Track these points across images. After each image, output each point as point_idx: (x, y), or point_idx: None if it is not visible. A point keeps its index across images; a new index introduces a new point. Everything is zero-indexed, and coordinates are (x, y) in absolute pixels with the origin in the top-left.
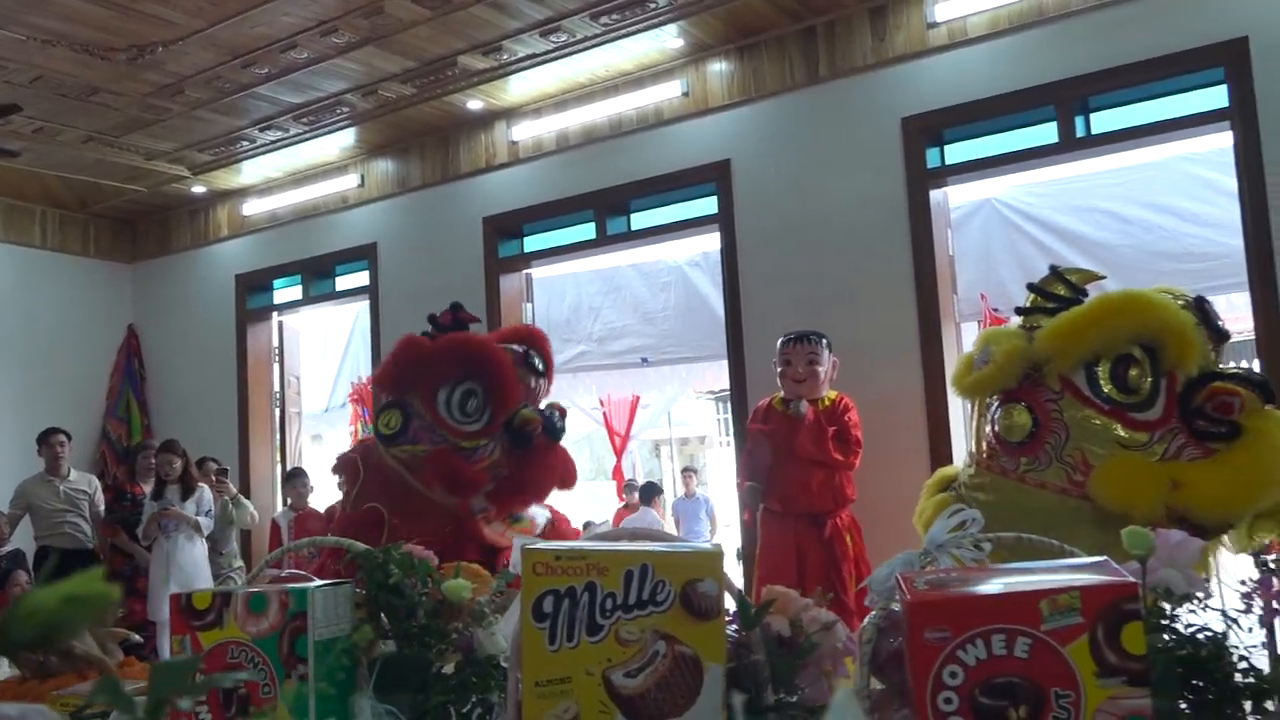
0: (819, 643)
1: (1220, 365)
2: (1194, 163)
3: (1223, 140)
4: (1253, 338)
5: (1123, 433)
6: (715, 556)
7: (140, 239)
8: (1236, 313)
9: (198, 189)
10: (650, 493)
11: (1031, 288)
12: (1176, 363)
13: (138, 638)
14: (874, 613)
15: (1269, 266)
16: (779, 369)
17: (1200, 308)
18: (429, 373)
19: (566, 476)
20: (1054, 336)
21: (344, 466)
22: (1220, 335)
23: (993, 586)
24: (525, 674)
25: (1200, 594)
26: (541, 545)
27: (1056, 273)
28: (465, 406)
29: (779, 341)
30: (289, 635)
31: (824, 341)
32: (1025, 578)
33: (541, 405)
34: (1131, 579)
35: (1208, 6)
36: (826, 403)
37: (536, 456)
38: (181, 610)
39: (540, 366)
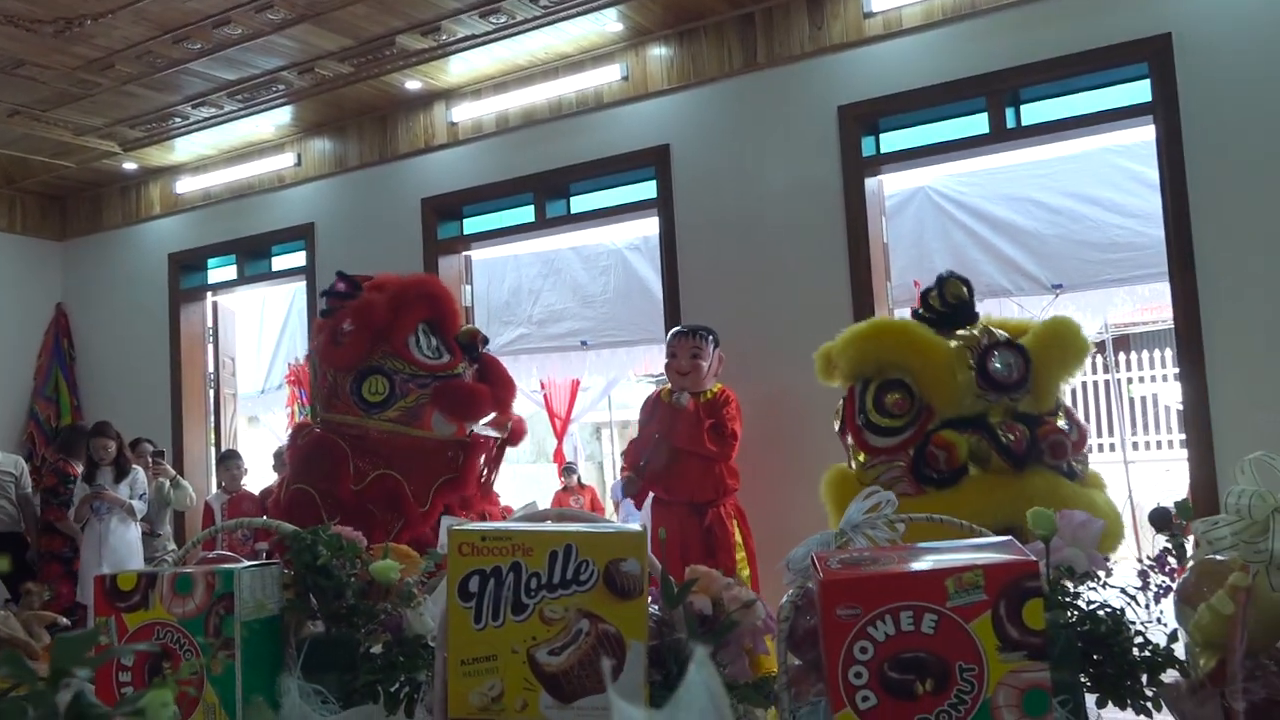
0: (739, 621)
1: (1008, 412)
2: (1119, 154)
3: (1146, 133)
4: (1172, 327)
5: (855, 448)
6: (638, 537)
7: (70, 216)
8: (1159, 302)
9: (129, 166)
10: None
11: (924, 294)
12: (929, 399)
13: (65, 621)
14: (791, 591)
15: (1188, 257)
16: (665, 361)
17: (982, 355)
18: (396, 327)
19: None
20: (838, 349)
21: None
22: (993, 384)
23: (902, 566)
24: (451, 653)
25: (1101, 572)
26: (468, 527)
27: (940, 281)
28: (430, 344)
29: (668, 335)
30: (215, 616)
31: (710, 337)
32: (933, 557)
33: None
34: (1032, 558)
35: (1133, 3)
36: (709, 395)
37: (492, 365)
38: (106, 591)
39: None
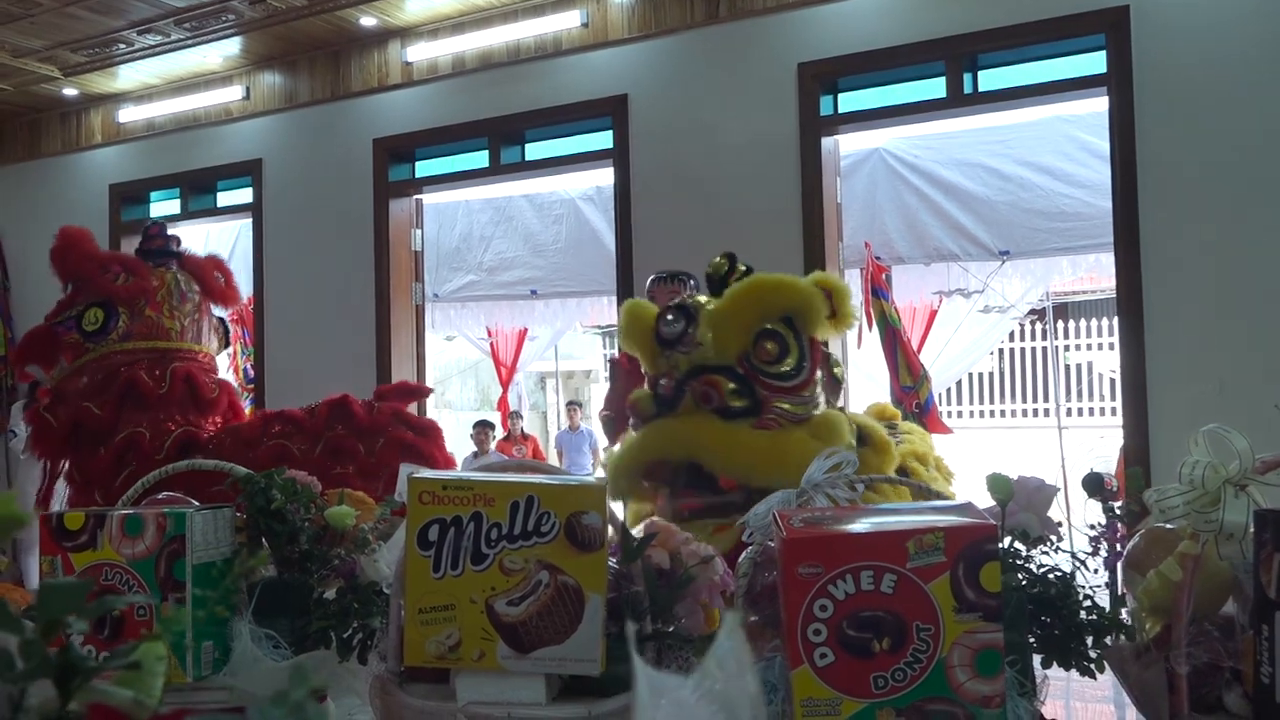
0: (696, 576)
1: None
2: (1072, 124)
3: (1098, 104)
4: (1111, 297)
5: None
6: (599, 490)
7: (6, 141)
8: (1101, 271)
9: (69, 91)
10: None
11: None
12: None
13: (6, 558)
14: (751, 548)
15: (1134, 228)
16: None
17: (658, 318)
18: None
19: None
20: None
21: None
22: (662, 342)
23: (863, 526)
24: (408, 600)
25: (1053, 536)
26: (429, 474)
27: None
28: None
29: (648, 281)
30: (166, 558)
31: (691, 282)
32: (894, 518)
33: None
34: (991, 521)
35: None
36: None
37: None
38: (52, 531)
39: None
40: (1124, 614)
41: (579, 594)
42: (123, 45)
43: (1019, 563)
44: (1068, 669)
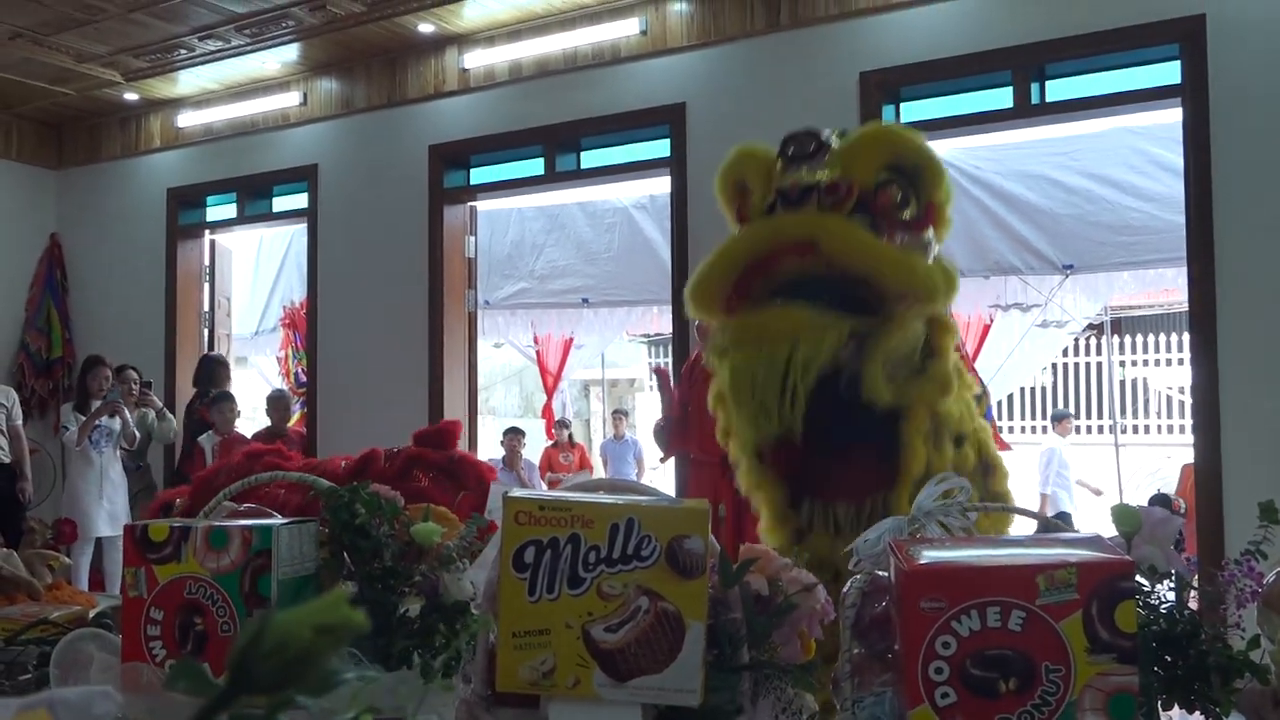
0: (798, 604)
1: None
2: (1138, 136)
3: (1166, 116)
4: (1168, 312)
5: None
6: (702, 513)
7: (67, 145)
8: (1168, 285)
9: (130, 96)
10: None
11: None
12: None
13: (68, 560)
14: (859, 577)
15: (1209, 243)
16: (698, 324)
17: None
18: None
19: None
20: None
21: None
22: None
23: (989, 559)
24: (502, 624)
25: (1179, 571)
26: (525, 494)
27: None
28: None
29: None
30: (251, 573)
31: None
32: (1019, 550)
33: None
34: (1128, 557)
35: None
36: None
37: None
38: (136, 541)
39: None
40: (1258, 656)
41: (679, 621)
42: (184, 51)
43: (1146, 599)
44: (1191, 712)
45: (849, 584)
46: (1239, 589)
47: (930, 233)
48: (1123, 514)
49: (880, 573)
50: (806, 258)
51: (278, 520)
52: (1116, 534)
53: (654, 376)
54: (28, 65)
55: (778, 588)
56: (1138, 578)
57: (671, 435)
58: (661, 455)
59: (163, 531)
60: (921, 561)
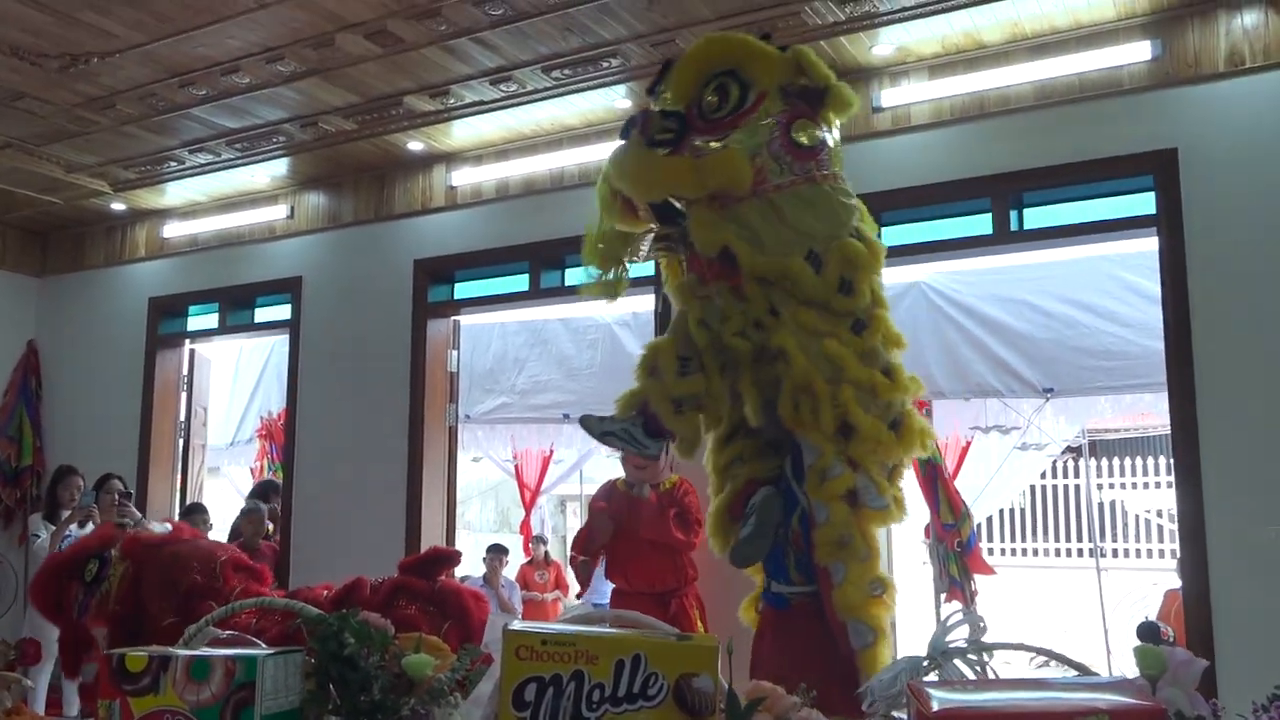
0: None
1: None
2: (1114, 264)
3: (1143, 244)
4: (1168, 433)
5: None
6: (712, 650)
7: (51, 252)
8: (1144, 409)
9: (117, 206)
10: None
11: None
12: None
13: (29, 682)
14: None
15: (1188, 368)
16: (620, 454)
17: None
18: None
19: None
20: None
21: None
22: None
23: (1015, 704)
24: None
25: (1204, 714)
26: (526, 628)
27: None
28: None
29: None
30: (233, 706)
31: None
32: (1045, 695)
33: None
34: (1160, 704)
35: (1141, 117)
36: (667, 485)
37: None
38: (113, 672)
39: None
40: None
41: None
42: (174, 163)
43: None
44: None
45: None
46: None
47: (764, 115)
48: (1147, 656)
49: (898, 715)
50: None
51: (262, 650)
52: (1139, 675)
53: (592, 516)
54: (16, 174)
55: None
56: None
57: (607, 572)
58: (579, 591)
59: (140, 662)
60: (943, 706)
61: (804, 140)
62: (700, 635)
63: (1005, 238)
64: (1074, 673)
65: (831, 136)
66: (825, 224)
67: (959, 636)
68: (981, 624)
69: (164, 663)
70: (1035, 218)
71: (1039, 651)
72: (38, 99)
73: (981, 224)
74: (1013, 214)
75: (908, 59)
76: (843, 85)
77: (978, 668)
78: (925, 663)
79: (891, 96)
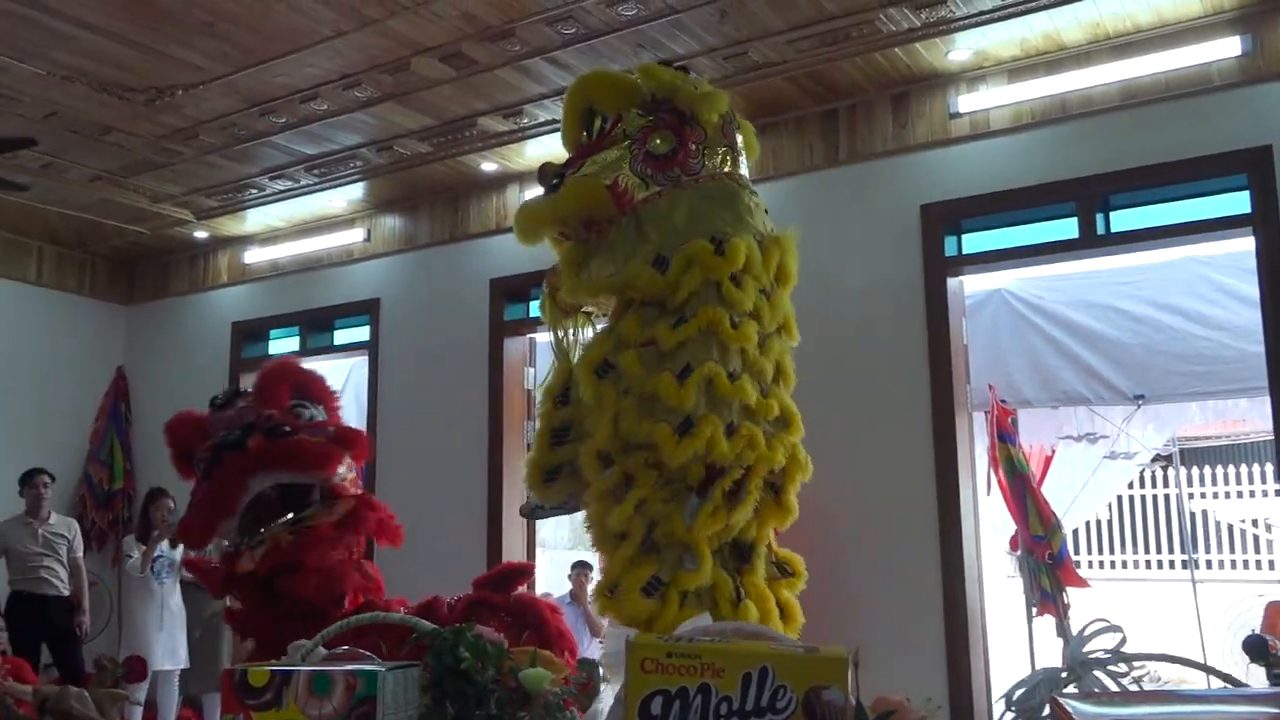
0: None
1: None
2: (1205, 265)
3: (1234, 245)
4: (1273, 438)
5: None
6: (843, 661)
7: (137, 281)
8: (1237, 416)
9: (200, 234)
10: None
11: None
12: None
13: (138, 701)
14: None
15: None
16: None
17: None
18: None
19: None
20: None
21: None
22: None
23: (1174, 716)
24: None
25: None
26: (651, 639)
27: None
28: None
29: None
30: None
31: None
32: (1197, 708)
33: None
34: None
35: (1232, 114)
36: None
37: None
38: (235, 687)
39: None
40: None
41: None
42: (254, 190)
43: None
44: None
45: None
46: None
47: (623, 142)
48: None
49: None
50: None
51: (380, 665)
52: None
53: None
54: (105, 206)
55: None
56: None
57: None
58: None
59: (262, 677)
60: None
61: (661, 149)
62: (829, 646)
63: (1092, 241)
64: (1219, 684)
65: (718, 135)
66: (683, 228)
67: (1098, 647)
68: (1122, 635)
69: (285, 678)
70: (1123, 220)
71: (1185, 663)
72: (125, 132)
73: (1067, 228)
74: (1099, 217)
75: (985, 63)
76: (693, 81)
77: (1119, 680)
78: (1064, 674)
79: (969, 102)
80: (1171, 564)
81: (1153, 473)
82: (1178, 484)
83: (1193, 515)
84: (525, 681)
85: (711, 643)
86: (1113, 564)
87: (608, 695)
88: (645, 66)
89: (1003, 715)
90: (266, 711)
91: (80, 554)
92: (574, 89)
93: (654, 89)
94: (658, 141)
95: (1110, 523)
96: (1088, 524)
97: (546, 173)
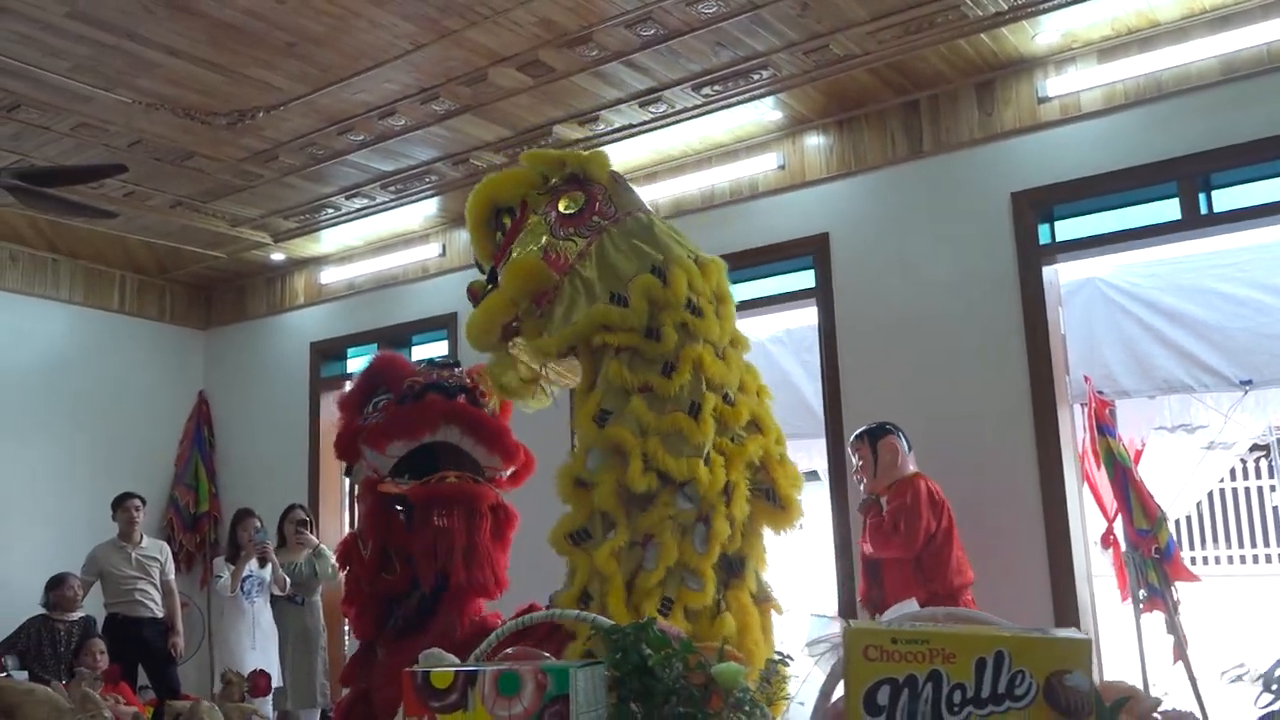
0: None
1: None
2: None
3: None
4: None
5: None
6: (1086, 645)
7: (215, 305)
8: None
9: (276, 256)
10: None
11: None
12: None
13: (266, 715)
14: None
15: None
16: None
17: None
18: None
19: None
20: None
21: None
22: None
23: None
24: None
25: None
26: (874, 626)
27: None
28: None
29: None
30: None
31: (864, 436)
32: None
33: None
34: None
35: None
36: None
37: None
38: (418, 689)
39: None
40: None
41: None
42: (330, 210)
43: None
44: None
45: None
46: None
47: (534, 218)
48: None
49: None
50: None
51: (568, 662)
52: None
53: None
54: (185, 232)
55: None
56: None
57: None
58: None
59: (447, 678)
60: None
61: (572, 208)
62: (1070, 630)
63: (1195, 222)
64: None
65: (614, 185)
66: (623, 266)
67: None
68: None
69: (470, 678)
70: (1226, 199)
71: None
72: (206, 156)
73: (1169, 209)
74: (1201, 197)
75: (1074, 44)
76: (570, 153)
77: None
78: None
79: (1058, 85)
80: (1268, 558)
81: (1243, 464)
82: (1272, 475)
83: (1276, 509)
84: (719, 677)
85: (937, 628)
86: (1205, 559)
87: (808, 688)
88: (529, 153)
89: (1259, 696)
90: (453, 713)
91: (172, 576)
92: (474, 200)
93: (544, 169)
94: (567, 203)
95: (1195, 517)
96: (1176, 520)
97: (476, 290)
